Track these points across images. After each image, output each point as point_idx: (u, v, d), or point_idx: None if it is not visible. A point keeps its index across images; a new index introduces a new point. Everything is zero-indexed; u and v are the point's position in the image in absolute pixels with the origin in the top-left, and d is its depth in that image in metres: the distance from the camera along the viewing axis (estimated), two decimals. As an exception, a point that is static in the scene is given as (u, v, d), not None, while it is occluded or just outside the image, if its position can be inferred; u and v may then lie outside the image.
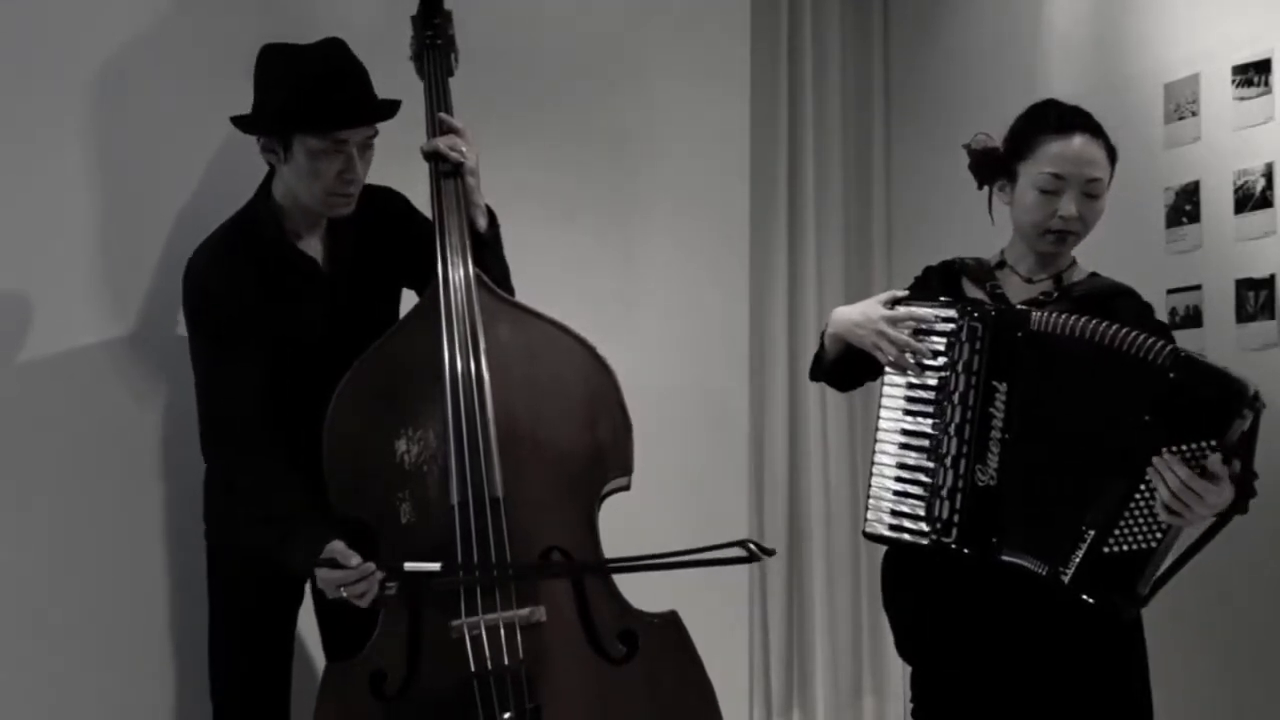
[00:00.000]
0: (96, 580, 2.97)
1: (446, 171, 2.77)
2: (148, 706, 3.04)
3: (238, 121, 2.70)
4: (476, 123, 2.87)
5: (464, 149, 2.78)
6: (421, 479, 2.63)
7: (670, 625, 2.70)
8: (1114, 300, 2.55)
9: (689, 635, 2.71)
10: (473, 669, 2.54)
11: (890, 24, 4.34)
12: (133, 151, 3.05)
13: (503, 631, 2.56)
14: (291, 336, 2.69)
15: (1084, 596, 2.33)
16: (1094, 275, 2.63)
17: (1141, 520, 2.28)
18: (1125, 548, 2.30)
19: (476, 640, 2.55)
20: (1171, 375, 2.25)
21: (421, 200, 2.89)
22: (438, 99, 2.86)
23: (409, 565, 2.43)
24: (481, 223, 2.78)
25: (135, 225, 3.02)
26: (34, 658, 2.91)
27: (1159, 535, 2.28)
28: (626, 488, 2.77)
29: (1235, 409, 2.21)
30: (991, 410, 2.44)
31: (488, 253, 2.79)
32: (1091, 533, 2.31)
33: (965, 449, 2.45)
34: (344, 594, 2.45)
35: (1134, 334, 2.33)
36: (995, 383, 2.44)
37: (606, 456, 2.73)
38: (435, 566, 2.44)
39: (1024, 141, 2.57)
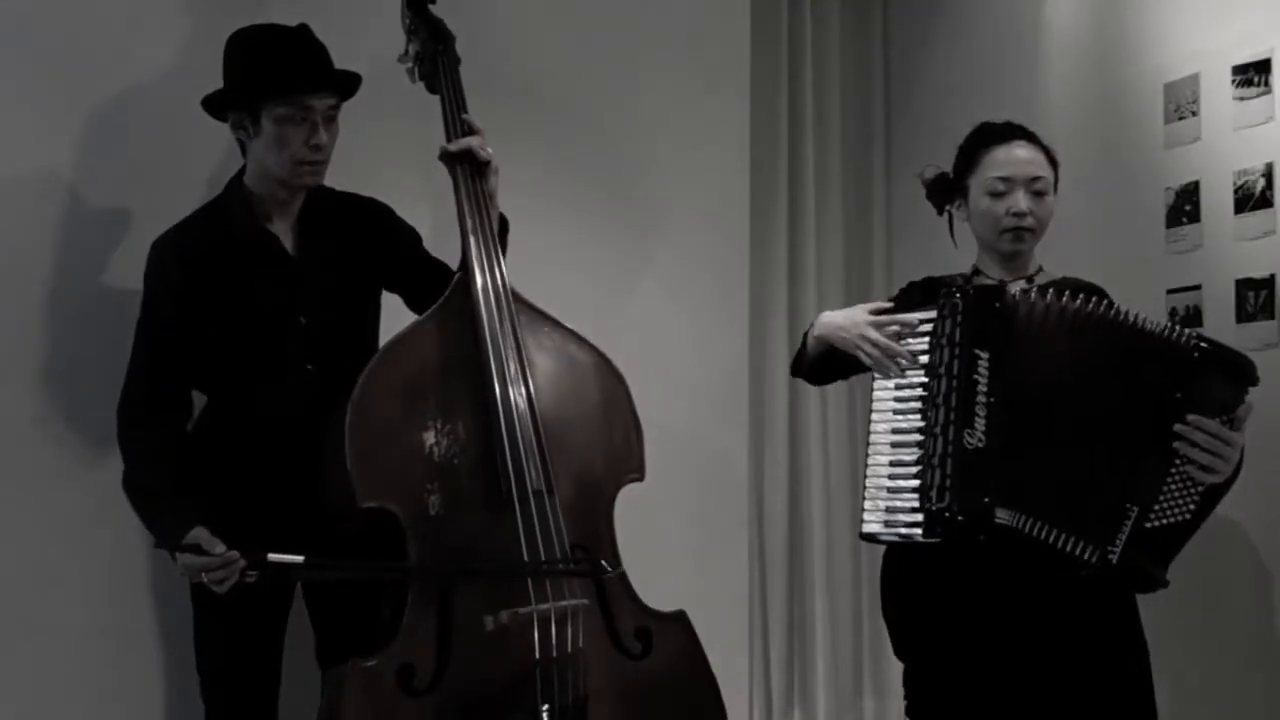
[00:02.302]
0: (83, 578, 2.97)
1: (472, 169, 2.81)
2: (139, 707, 3.05)
3: (207, 104, 2.73)
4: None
5: (488, 148, 2.83)
6: (452, 472, 2.63)
7: (680, 624, 2.77)
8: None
9: (696, 635, 2.78)
10: (537, 656, 2.57)
11: (890, 24, 4.34)
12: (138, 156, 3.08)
13: (569, 621, 2.61)
14: (248, 313, 2.72)
15: (1128, 573, 2.43)
16: (1065, 278, 2.71)
17: (1179, 493, 2.43)
18: (1166, 520, 2.42)
19: (545, 626, 2.58)
20: (1195, 355, 2.42)
21: (406, 210, 2.91)
22: (458, 102, 2.89)
23: (272, 555, 2.41)
24: (495, 225, 2.84)
25: (139, 233, 3.03)
26: (21, 658, 2.91)
27: (1193, 506, 2.43)
28: None
29: (1249, 381, 2.45)
30: (975, 376, 2.50)
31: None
32: (1135, 510, 2.42)
33: (952, 415, 2.50)
34: (204, 579, 2.48)
35: (1146, 317, 2.47)
36: (978, 350, 2.51)
37: (622, 459, 2.81)
38: (298, 559, 2.42)
39: (969, 158, 2.73)
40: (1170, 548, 2.44)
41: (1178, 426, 2.40)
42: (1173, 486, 2.42)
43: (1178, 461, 2.41)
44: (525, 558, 2.60)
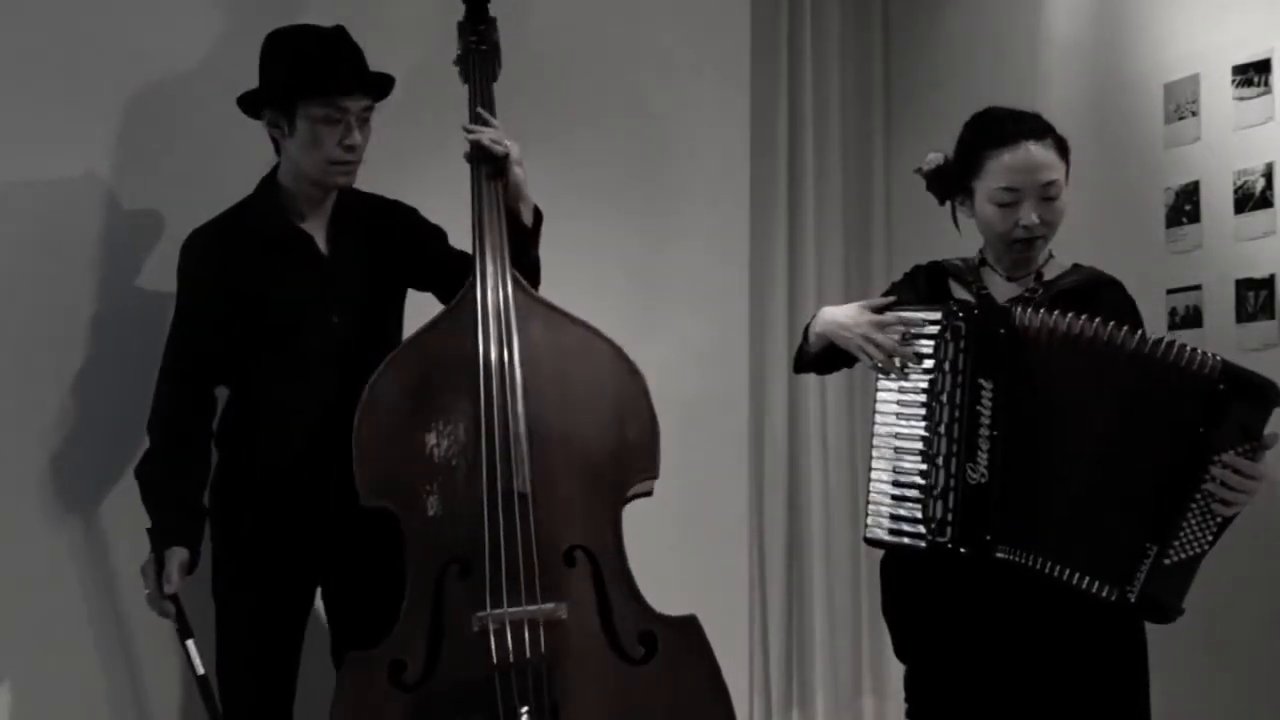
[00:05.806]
0: (107, 577, 3.00)
1: (490, 171, 2.81)
2: (155, 704, 3.06)
3: (242, 102, 2.76)
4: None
5: (507, 141, 2.83)
6: (450, 473, 2.66)
7: (689, 628, 2.74)
8: (1099, 292, 2.56)
9: (707, 639, 2.74)
10: (494, 661, 2.57)
11: (890, 23, 4.34)
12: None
13: (526, 627, 2.60)
14: (279, 311, 2.74)
15: (1146, 609, 2.36)
16: (1076, 266, 2.63)
17: (1199, 527, 2.31)
18: (1185, 555, 2.31)
19: (500, 633, 2.58)
20: (1221, 387, 2.27)
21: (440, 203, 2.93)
22: (481, 100, 2.91)
23: (189, 641, 2.64)
24: (528, 216, 2.83)
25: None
26: (39, 659, 2.92)
27: (1211, 538, 2.32)
28: (649, 493, 2.79)
29: (1274, 405, 2.30)
30: (979, 408, 2.44)
31: (530, 245, 2.85)
32: (1154, 548, 2.30)
33: (955, 448, 2.45)
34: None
35: (1171, 341, 2.33)
36: (982, 380, 2.44)
37: (634, 459, 2.77)
38: (199, 667, 2.62)
39: (972, 158, 2.56)
40: (1187, 580, 2.34)
41: (1213, 470, 2.27)
42: (1192, 521, 2.30)
43: (1198, 497, 2.29)
44: (503, 560, 2.61)
